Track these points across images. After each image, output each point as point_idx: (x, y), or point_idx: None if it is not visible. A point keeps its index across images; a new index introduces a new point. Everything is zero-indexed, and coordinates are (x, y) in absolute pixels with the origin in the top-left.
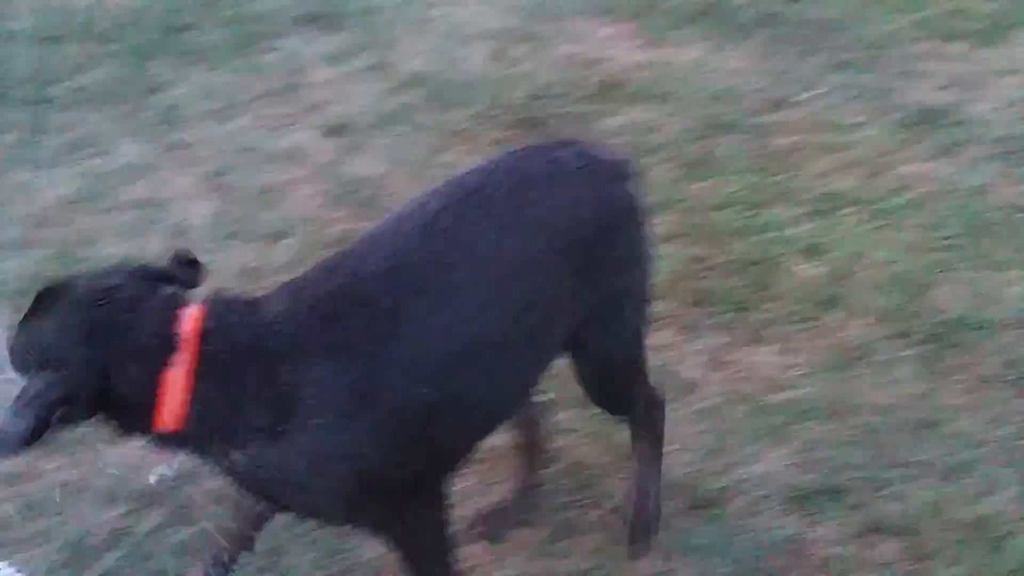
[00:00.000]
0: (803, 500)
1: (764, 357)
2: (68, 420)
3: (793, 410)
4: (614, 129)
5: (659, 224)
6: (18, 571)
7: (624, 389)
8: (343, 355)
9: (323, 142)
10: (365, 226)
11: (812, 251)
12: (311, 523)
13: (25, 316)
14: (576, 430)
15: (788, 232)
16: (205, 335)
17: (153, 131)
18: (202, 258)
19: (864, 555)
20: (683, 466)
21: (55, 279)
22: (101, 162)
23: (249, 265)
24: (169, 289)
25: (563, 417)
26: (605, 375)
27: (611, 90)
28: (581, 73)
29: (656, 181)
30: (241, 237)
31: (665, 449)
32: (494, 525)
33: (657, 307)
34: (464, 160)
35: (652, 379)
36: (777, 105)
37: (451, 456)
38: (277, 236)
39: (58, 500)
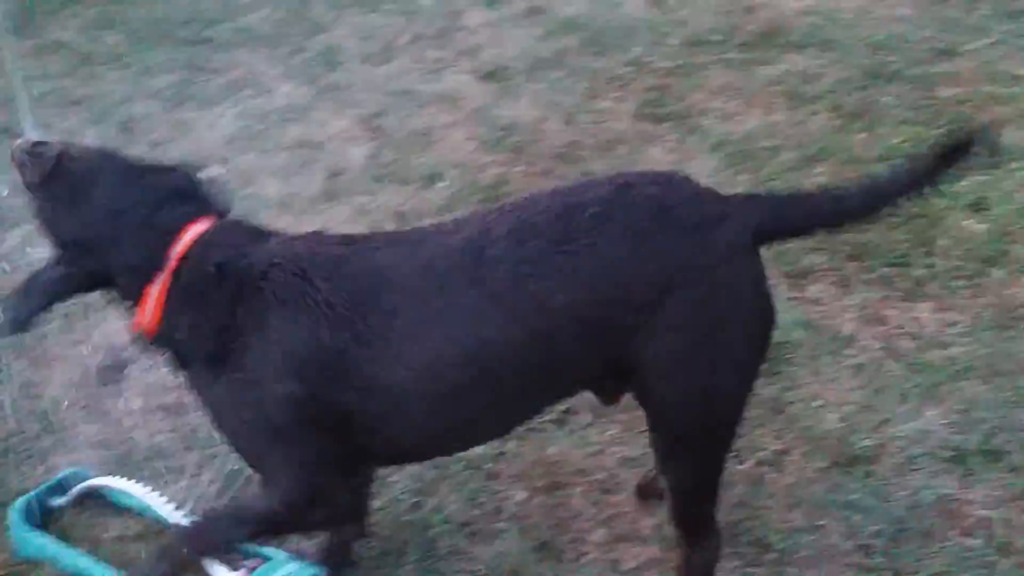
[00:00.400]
0: (959, 460)
1: (922, 313)
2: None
3: (951, 368)
4: (773, 77)
5: (817, 175)
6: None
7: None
8: (290, 315)
9: (477, 86)
10: (518, 171)
11: (978, 206)
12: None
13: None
14: None
15: (953, 186)
16: (186, 258)
17: (311, 73)
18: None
19: (1021, 519)
20: (836, 422)
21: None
22: (260, 102)
23: (402, 208)
24: (185, 207)
25: None
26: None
27: (771, 37)
28: (741, 19)
29: (815, 131)
30: (395, 179)
31: (817, 403)
32: (646, 487)
33: (813, 259)
34: (619, 107)
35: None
36: (944, 54)
37: (366, 458)
38: (430, 179)
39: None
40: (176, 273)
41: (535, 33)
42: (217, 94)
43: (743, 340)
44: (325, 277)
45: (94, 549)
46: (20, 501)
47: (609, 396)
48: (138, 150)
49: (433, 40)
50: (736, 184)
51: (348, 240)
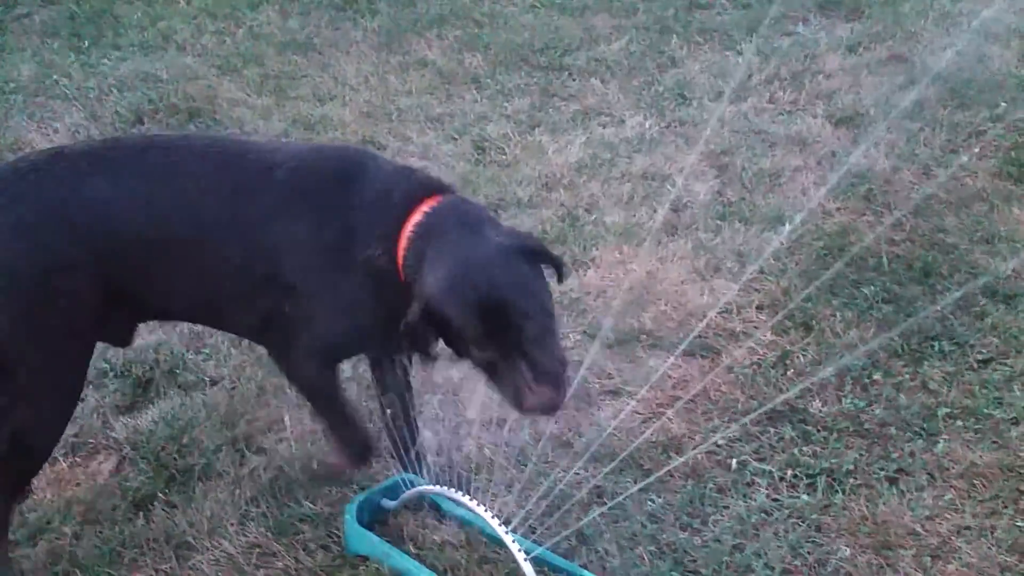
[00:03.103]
0: None
1: None
2: None
3: None
4: None
5: None
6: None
7: None
8: None
9: (830, 131)
10: (866, 221)
11: None
12: None
13: None
14: None
15: None
16: None
17: (661, 106)
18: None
19: None
20: None
21: None
22: (609, 132)
23: (743, 247)
24: None
25: None
26: None
27: None
28: None
29: None
30: (738, 218)
31: None
32: None
33: None
34: (979, 163)
35: None
36: None
37: None
38: (774, 221)
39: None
40: None
41: (895, 81)
42: (568, 120)
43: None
44: None
45: (420, 552)
46: (355, 499)
47: None
48: (489, 170)
49: (788, 82)
50: None
51: None
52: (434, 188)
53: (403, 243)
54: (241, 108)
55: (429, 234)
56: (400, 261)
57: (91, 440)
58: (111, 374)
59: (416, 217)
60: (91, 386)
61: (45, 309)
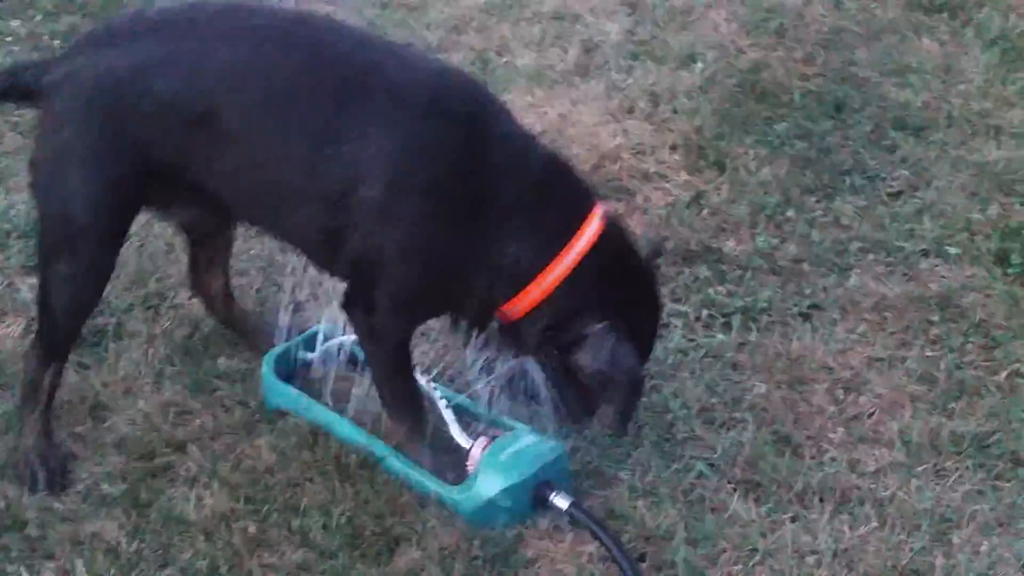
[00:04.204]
0: None
1: None
2: None
3: None
4: None
5: None
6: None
7: None
8: None
9: None
10: (777, 56)
11: None
12: None
13: None
14: (986, 289)
15: None
16: None
17: None
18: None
19: None
20: None
21: None
22: None
23: (655, 87)
24: None
25: (971, 273)
26: None
27: None
28: None
29: None
30: (651, 57)
31: None
32: None
33: None
34: None
35: None
36: None
37: None
38: (687, 59)
39: None
40: None
41: None
42: None
43: None
44: None
45: (340, 403)
46: (273, 352)
47: None
48: (397, 14)
49: None
50: (1011, 83)
51: None
52: (591, 193)
53: (560, 269)
54: None
55: (600, 276)
56: (546, 288)
57: None
58: (14, 234)
59: (580, 244)
60: None
61: (87, 173)
